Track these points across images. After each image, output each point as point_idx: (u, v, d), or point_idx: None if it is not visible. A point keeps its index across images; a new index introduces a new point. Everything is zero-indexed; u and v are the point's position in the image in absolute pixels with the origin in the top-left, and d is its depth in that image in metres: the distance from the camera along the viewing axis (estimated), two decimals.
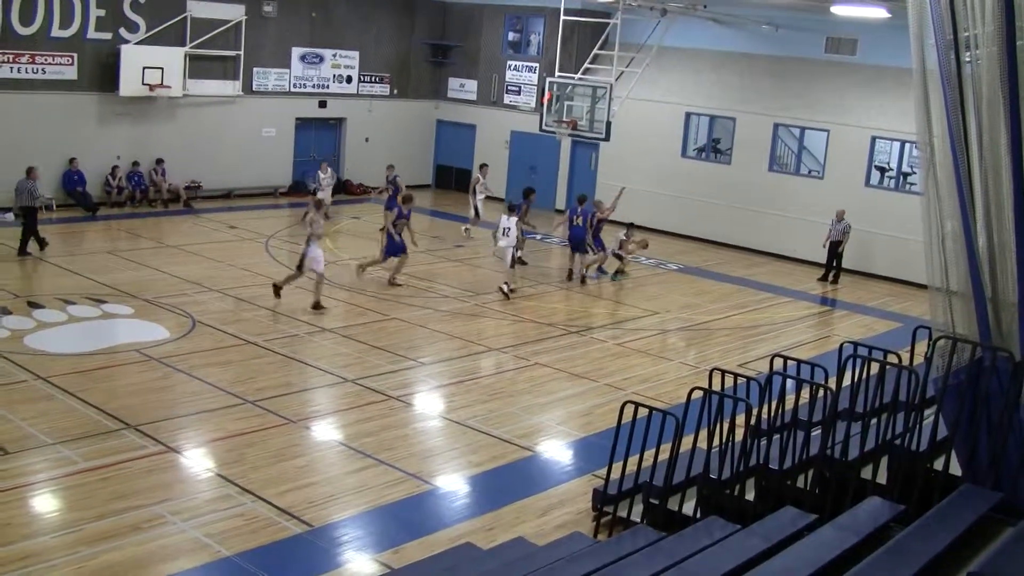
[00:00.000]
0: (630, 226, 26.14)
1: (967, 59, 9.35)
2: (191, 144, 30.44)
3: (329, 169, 30.94)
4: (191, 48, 29.66)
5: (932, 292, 10.10)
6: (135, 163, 29.22)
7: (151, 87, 28.53)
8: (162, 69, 28.69)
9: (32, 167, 23.44)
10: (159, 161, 29.68)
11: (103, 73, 28.13)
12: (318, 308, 20.02)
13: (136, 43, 28.56)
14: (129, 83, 28.23)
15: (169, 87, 28.98)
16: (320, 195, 26.78)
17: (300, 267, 20.48)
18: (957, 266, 9.67)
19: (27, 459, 12.48)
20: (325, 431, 14.49)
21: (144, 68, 28.39)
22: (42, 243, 23.02)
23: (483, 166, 30.08)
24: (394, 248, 22.63)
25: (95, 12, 27.78)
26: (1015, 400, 9.35)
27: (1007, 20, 8.75)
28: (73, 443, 13.00)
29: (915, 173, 27.84)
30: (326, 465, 13.28)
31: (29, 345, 16.77)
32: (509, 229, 22.61)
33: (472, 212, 29.44)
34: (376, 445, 13.84)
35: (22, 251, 22.58)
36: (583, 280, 24.29)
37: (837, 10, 23.37)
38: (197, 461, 13.07)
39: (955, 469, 10.19)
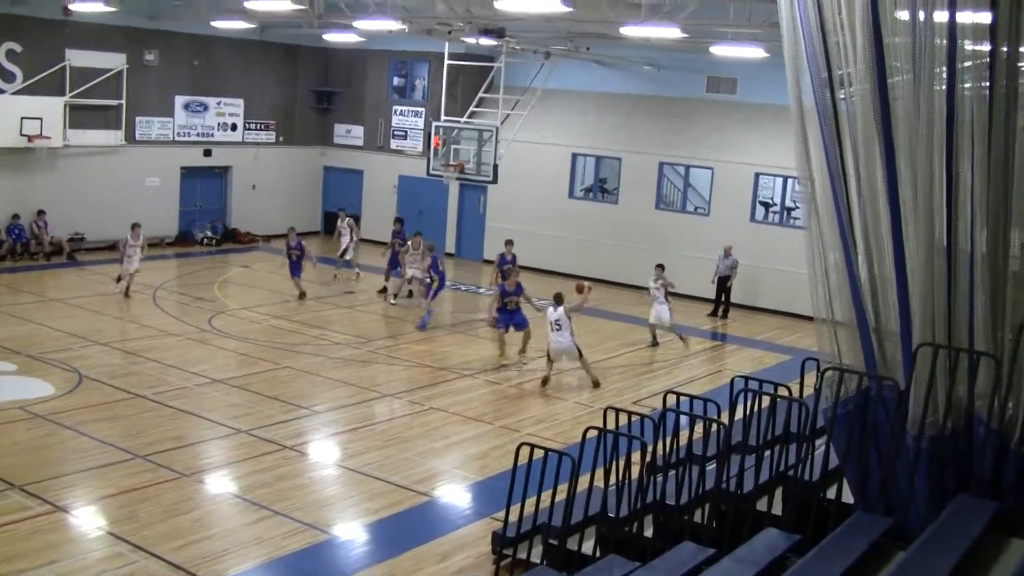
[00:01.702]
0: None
1: (842, 96, 9.60)
2: (73, 195, 29.89)
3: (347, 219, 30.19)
4: (71, 98, 29.20)
5: (818, 324, 10.30)
6: (15, 216, 28.59)
7: (30, 138, 28.01)
8: (41, 119, 28.22)
9: None
10: (40, 213, 29.09)
11: None
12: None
13: (13, 93, 28.03)
14: (6, 134, 27.69)
15: (49, 137, 28.49)
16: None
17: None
18: (841, 297, 9.87)
19: None
20: (219, 483, 14.24)
21: (22, 118, 27.86)
22: None
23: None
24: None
25: None
26: (901, 427, 9.55)
27: (878, 59, 9.02)
28: None
29: (798, 207, 28.43)
30: (221, 518, 13.05)
31: None
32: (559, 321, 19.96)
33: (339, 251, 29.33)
34: (272, 496, 13.64)
35: None
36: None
37: (716, 50, 23.82)
38: (87, 520, 12.74)
39: (847, 497, 10.36)
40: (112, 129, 30.73)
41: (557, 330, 19.54)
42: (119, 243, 26.37)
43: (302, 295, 25.95)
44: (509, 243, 26.09)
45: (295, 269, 26.10)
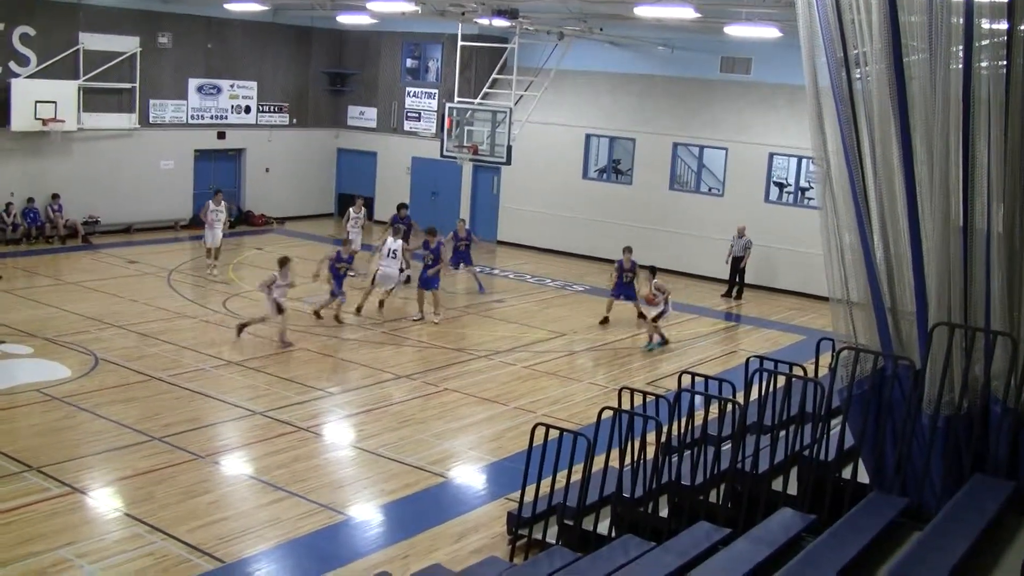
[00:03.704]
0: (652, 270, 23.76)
1: (858, 76, 9.55)
2: (88, 179, 29.96)
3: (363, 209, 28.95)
4: (85, 81, 29.22)
5: (833, 304, 10.28)
6: (30, 199, 28.68)
7: (44, 121, 28.04)
8: (55, 103, 28.23)
9: None
10: (55, 196, 29.17)
11: None
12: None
13: (27, 77, 28.05)
14: (21, 118, 27.72)
15: (63, 121, 28.51)
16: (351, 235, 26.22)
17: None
18: (856, 278, 9.85)
19: None
20: (235, 465, 14.30)
21: (36, 102, 27.90)
22: None
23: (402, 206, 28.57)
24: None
25: None
26: (917, 407, 9.54)
27: (894, 38, 8.97)
28: None
29: (812, 188, 28.36)
30: (237, 500, 13.11)
31: None
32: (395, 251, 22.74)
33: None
34: (287, 477, 13.69)
35: None
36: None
37: (731, 31, 23.73)
38: (104, 501, 12.81)
39: (863, 477, 10.36)
40: (126, 112, 30.74)
41: (392, 259, 22.42)
42: (202, 211, 26.89)
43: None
44: (402, 206, 27.42)
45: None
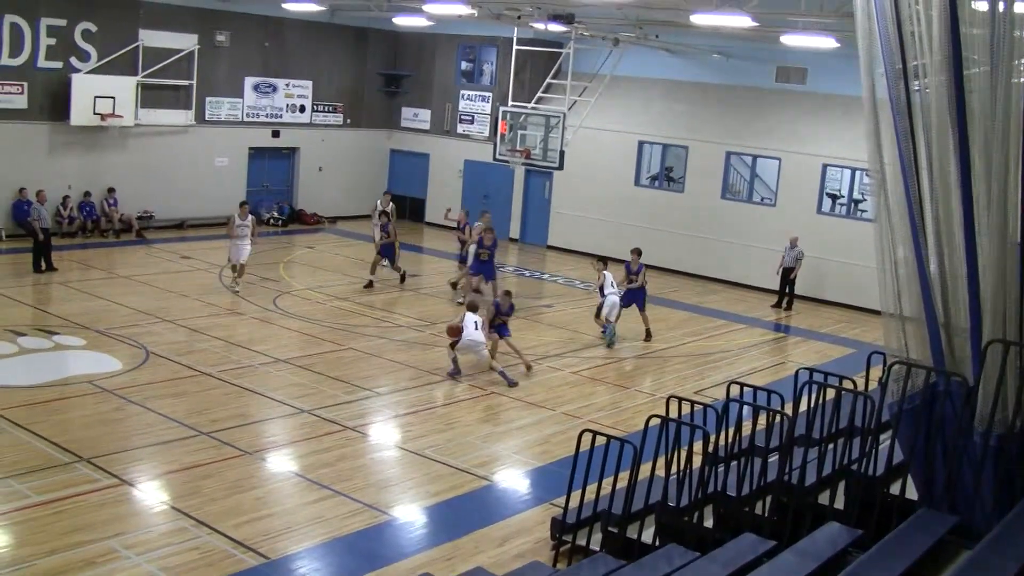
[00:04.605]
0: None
1: (916, 88, 9.48)
2: (143, 174, 30.27)
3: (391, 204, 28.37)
4: (143, 77, 29.52)
5: (886, 318, 10.20)
6: (86, 193, 29.02)
7: (103, 116, 28.36)
8: (114, 98, 28.55)
9: (40, 190, 25.51)
10: (111, 191, 29.49)
11: (54, 102, 27.93)
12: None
13: (87, 72, 28.39)
14: (80, 112, 28.06)
15: (121, 116, 28.82)
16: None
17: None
18: (910, 292, 9.76)
19: None
20: (281, 462, 14.38)
21: (96, 97, 28.24)
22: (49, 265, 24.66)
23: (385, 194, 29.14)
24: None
25: (45, 41, 27.59)
26: (969, 424, 9.44)
27: (954, 50, 8.89)
28: (24, 477, 12.80)
29: (866, 200, 28.16)
30: (282, 497, 13.18)
31: None
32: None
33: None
34: (333, 476, 13.75)
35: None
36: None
37: (787, 40, 23.60)
38: (151, 494, 12.92)
39: (911, 493, 10.26)
40: (182, 109, 31.06)
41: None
42: (228, 221, 25.02)
43: (370, 284, 25.53)
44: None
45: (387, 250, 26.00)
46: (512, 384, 18.48)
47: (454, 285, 25.81)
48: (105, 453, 13.78)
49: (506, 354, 19.48)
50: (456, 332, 18.79)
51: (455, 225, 27.64)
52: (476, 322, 18.81)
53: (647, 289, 22.93)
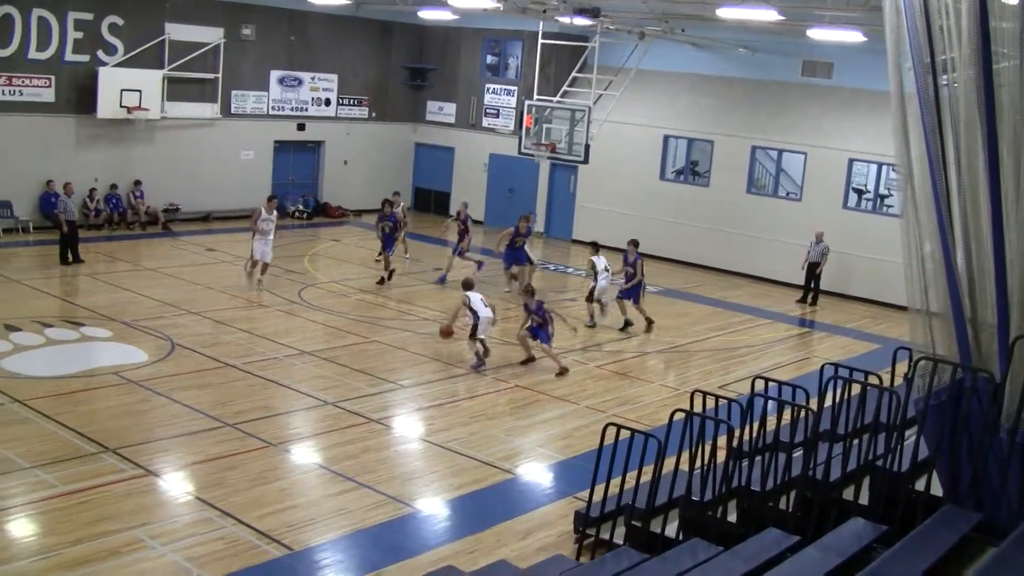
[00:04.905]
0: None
1: (944, 82, 9.43)
2: (169, 167, 30.40)
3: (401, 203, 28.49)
4: (169, 71, 29.63)
5: (912, 313, 10.15)
6: (113, 186, 29.16)
7: (129, 109, 28.49)
8: (140, 92, 28.66)
9: (68, 183, 25.92)
10: (137, 183, 29.63)
11: (81, 95, 28.07)
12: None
13: (114, 65, 28.52)
14: (107, 105, 28.19)
15: (147, 110, 28.95)
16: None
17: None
18: (936, 287, 9.72)
19: (3, 483, 12.38)
20: (305, 454, 14.44)
21: (122, 91, 28.36)
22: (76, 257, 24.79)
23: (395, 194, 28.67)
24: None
25: (73, 34, 27.73)
26: (995, 421, 9.38)
27: (983, 44, 8.83)
28: (50, 467, 12.90)
29: (892, 195, 28.00)
30: (306, 488, 13.22)
31: (6, 368, 16.66)
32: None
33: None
34: (356, 468, 13.78)
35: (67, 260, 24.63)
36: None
37: (813, 34, 23.47)
38: (176, 484, 12.99)
39: (936, 490, 10.22)
40: (208, 102, 31.16)
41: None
42: (252, 213, 24.63)
43: (383, 279, 25.22)
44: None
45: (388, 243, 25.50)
46: (479, 368, 18.85)
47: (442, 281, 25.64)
48: (131, 444, 13.85)
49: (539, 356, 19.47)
50: (449, 333, 19.19)
51: (454, 216, 27.54)
52: (482, 299, 19.12)
53: (644, 282, 22.92)
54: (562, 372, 18.99)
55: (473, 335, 18.89)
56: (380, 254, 25.96)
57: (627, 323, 22.68)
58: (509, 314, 22.26)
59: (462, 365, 19.03)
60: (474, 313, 18.82)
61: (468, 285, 19.64)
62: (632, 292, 22.69)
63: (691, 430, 11.01)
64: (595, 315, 22.90)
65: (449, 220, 28.33)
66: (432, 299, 24.03)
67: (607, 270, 22.75)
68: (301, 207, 34.00)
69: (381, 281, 24.93)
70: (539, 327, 19.15)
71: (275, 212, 24.52)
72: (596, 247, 23.45)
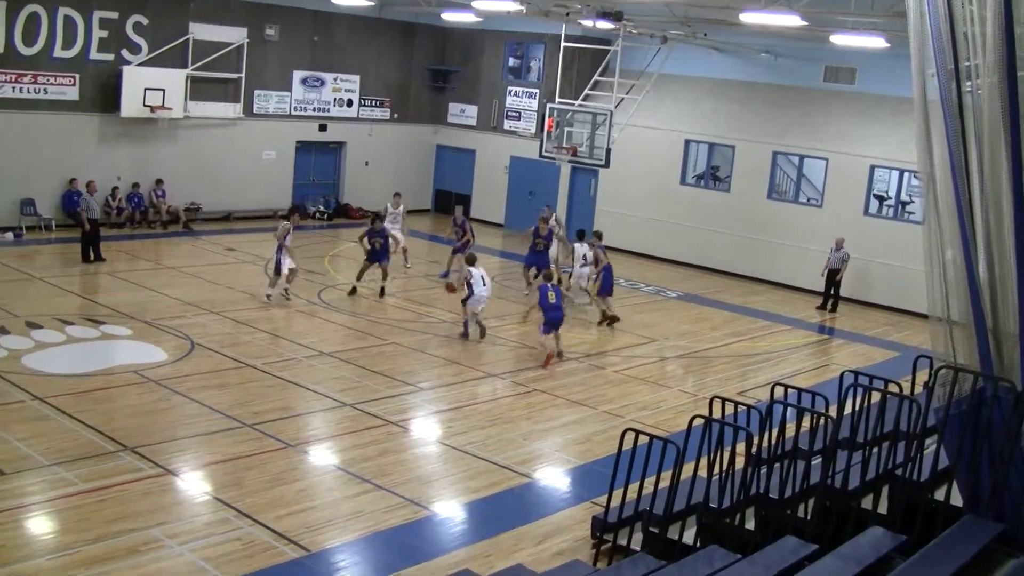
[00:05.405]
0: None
1: (968, 89, 9.37)
2: (191, 166, 30.50)
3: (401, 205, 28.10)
4: (193, 70, 29.73)
5: (933, 321, 10.09)
6: (135, 184, 29.27)
7: (152, 108, 28.60)
8: (164, 91, 28.77)
9: (91, 181, 26.03)
10: (159, 182, 29.74)
11: (104, 94, 28.19)
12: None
13: (138, 64, 28.63)
14: (130, 104, 28.30)
15: (170, 109, 29.05)
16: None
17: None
18: (958, 296, 9.66)
19: (23, 480, 12.43)
20: (323, 455, 14.45)
21: (146, 89, 28.47)
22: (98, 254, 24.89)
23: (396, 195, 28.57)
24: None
25: (97, 33, 27.85)
26: (1016, 431, 9.32)
27: (1008, 50, 8.78)
28: (70, 464, 12.94)
29: (913, 202, 27.91)
30: (324, 490, 13.23)
31: (27, 365, 16.73)
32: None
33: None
34: (374, 470, 13.79)
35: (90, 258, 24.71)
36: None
37: (836, 39, 23.41)
38: (195, 484, 13.02)
39: (956, 500, 10.15)
40: (231, 102, 31.26)
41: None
42: (278, 229, 22.89)
43: (383, 290, 24.25)
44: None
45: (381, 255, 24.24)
46: (464, 336, 20.68)
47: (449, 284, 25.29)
48: (150, 443, 13.89)
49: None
50: (453, 290, 20.88)
51: (453, 223, 27.51)
52: (483, 276, 20.33)
53: (613, 274, 23.60)
54: (547, 365, 19.56)
55: (464, 303, 20.37)
56: (364, 264, 24.32)
57: (613, 319, 23.06)
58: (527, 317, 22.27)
59: (481, 368, 19.04)
60: (470, 287, 20.20)
61: (471, 260, 20.90)
62: (606, 287, 23.27)
63: (710, 436, 10.97)
64: (575, 295, 24.28)
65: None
66: (451, 302, 23.98)
67: (585, 258, 23.77)
68: (322, 208, 34.07)
69: (382, 292, 24.04)
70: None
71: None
72: (581, 235, 24.67)
